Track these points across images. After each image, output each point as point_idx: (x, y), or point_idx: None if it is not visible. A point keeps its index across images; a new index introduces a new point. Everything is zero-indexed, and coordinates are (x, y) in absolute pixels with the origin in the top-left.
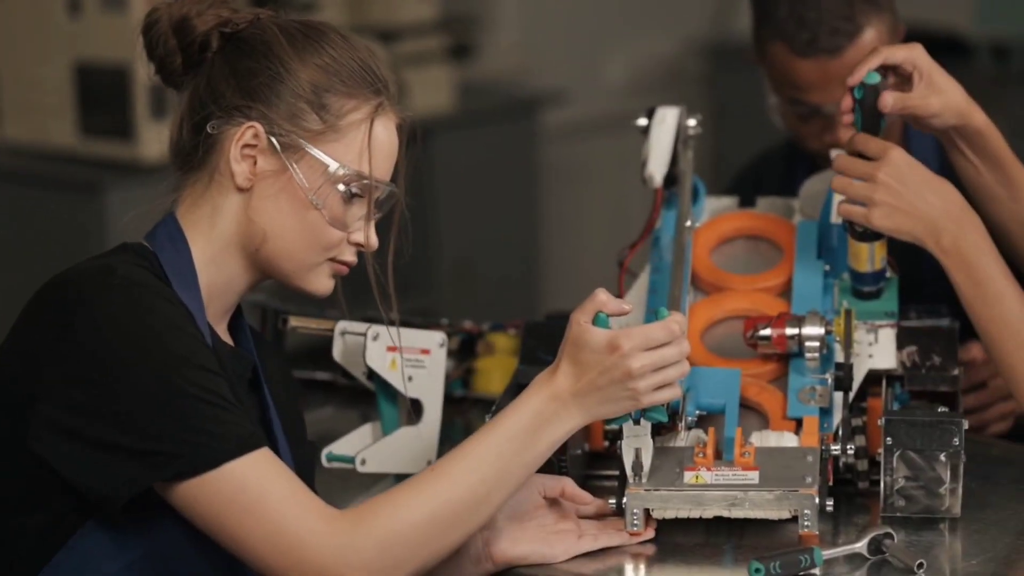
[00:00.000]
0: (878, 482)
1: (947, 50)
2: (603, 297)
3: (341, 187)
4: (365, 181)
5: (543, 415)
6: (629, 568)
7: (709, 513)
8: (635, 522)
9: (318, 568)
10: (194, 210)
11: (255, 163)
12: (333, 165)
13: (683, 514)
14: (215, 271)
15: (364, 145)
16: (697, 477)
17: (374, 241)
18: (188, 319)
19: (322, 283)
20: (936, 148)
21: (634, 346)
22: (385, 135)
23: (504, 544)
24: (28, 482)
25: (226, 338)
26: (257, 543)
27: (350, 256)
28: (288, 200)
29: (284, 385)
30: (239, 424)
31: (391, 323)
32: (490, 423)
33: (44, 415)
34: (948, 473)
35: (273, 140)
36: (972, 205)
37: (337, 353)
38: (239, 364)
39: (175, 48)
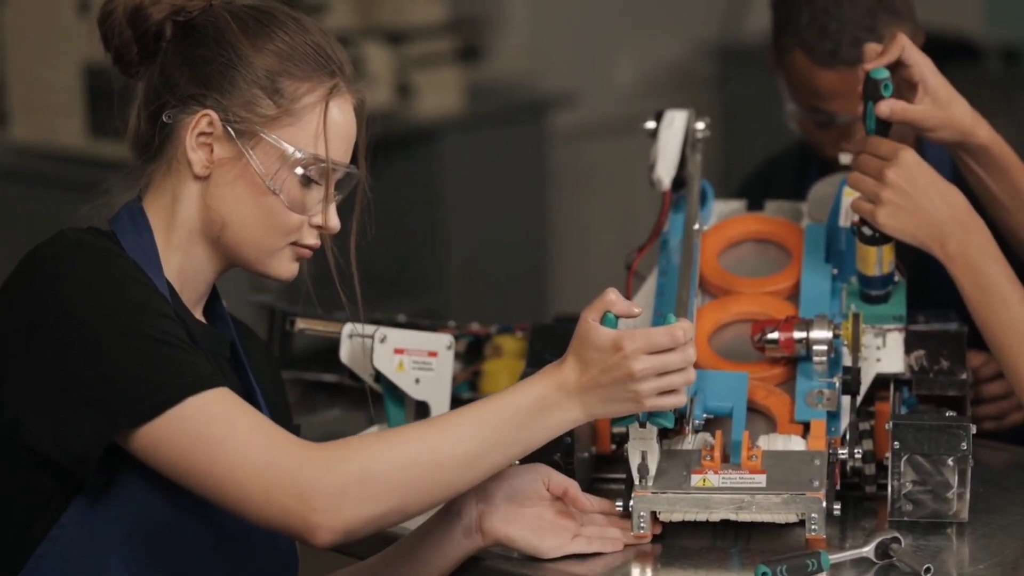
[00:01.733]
0: (885, 486)
1: (957, 54)
2: (612, 297)
3: (299, 171)
4: (322, 164)
5: (546, 400)
6: (636, 572)
7: (716, 516)
8: (642, 524)
9: (294, 490)
10: (156, 199)
11: (211, 151)
12: (289, 149)
13: (690, 517)
14: (183, 257)
15: (320, 128)
16: (704, 480)
17: (335, 223)
18: (142, 273)
19: (285, 267)
20: (950, 157)
21: (637, 348)
22: (341, 116)
23: (497, 521)
24: (6, 468)
25: (202, 321)
26: (229, 472)
27: (312, 239)
28: (245, 186)
29: (268, 371)
30: (198, 364)
31: (356, 318)
32: (494, 396)
33: (10, 383)
34: (956, 477)
35: (228, 127)
36: (980, 212)
37: (344, 355)
38: (215, 343)
39: (130, 38)
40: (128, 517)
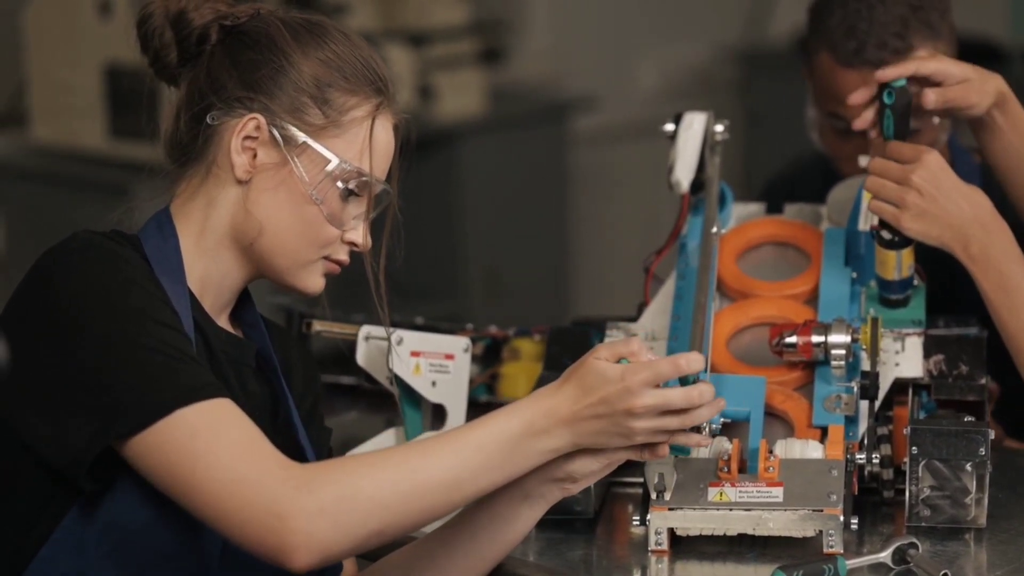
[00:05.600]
0: (903, 491)
1: (982, 58)
2: (636, 347)
3: (340, 184)
4: (364, 179)
5: (534, 426)
6: None
7: (733, 531)
8: (659, 541)
9: (272, 509)
10: (188, 203)
11: (255, 155)
12: (334, 161)
13: (707, 532)
14: (209, 263)
15: (365, 143)
16: (721, 494)
17: (369, 241)
18: (150, 280)
19: (314, 281)
20: (979, 169)
21: (642, 385)
22: (384, 135)
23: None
24: (9, 467)
25: (227, 328)
26: (209, 487)
27: (343, 255)
28: (287, 194)
29: (304, 376)
30: (194, 375)
31: (386, 326)
32: (481, 419)
33: (14, 381)
34: (974, 483)
35: (275, 132)
36: (1005, 216)
37: (361, 357)
38: (238, 351)
39: (171, 41)
40: (123, 524)
